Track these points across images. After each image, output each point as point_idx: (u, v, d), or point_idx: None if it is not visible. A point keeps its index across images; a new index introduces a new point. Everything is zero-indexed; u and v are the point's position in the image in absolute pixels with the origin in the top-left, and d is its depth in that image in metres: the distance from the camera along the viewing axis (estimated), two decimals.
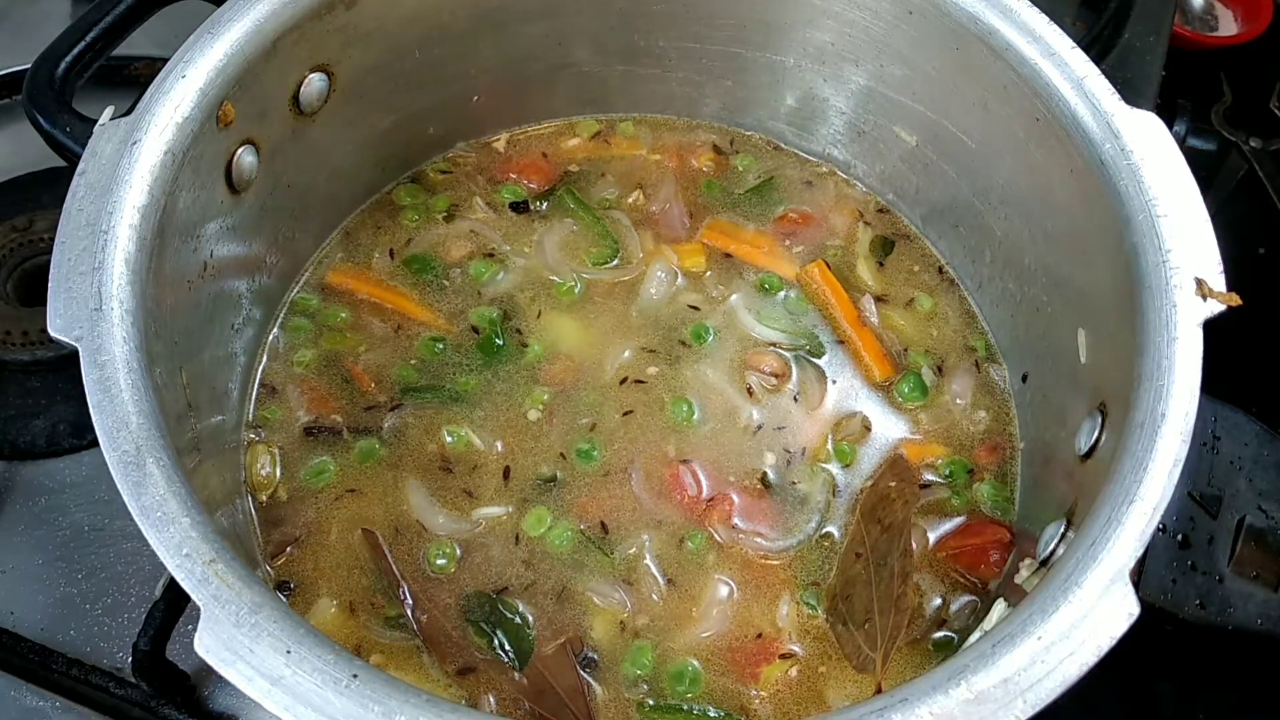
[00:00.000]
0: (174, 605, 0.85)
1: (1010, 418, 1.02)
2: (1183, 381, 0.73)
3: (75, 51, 0.91)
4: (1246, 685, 1.05)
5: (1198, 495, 0.96)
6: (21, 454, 1.03)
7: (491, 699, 0.85)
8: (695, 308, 1.05)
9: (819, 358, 1.03)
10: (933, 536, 0.95)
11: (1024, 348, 1.01)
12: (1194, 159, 0.83)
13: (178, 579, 0.64)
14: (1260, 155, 1.41)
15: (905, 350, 1.04)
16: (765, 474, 0.96)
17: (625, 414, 0.98)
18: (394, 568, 0.90)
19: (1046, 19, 0.89)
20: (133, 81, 1.24)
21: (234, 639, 0.62)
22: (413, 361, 1.00)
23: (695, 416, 0.99)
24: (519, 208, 1.10)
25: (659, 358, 1.02)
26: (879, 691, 0.81)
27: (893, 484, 0.96)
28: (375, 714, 0.60)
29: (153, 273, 0.76)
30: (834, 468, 0.97)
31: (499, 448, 0.96)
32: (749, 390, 1.00)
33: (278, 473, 0.94)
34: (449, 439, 0.96)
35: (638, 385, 1.00)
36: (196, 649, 0.61)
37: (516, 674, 0.86)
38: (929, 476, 0.97)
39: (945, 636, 0.90)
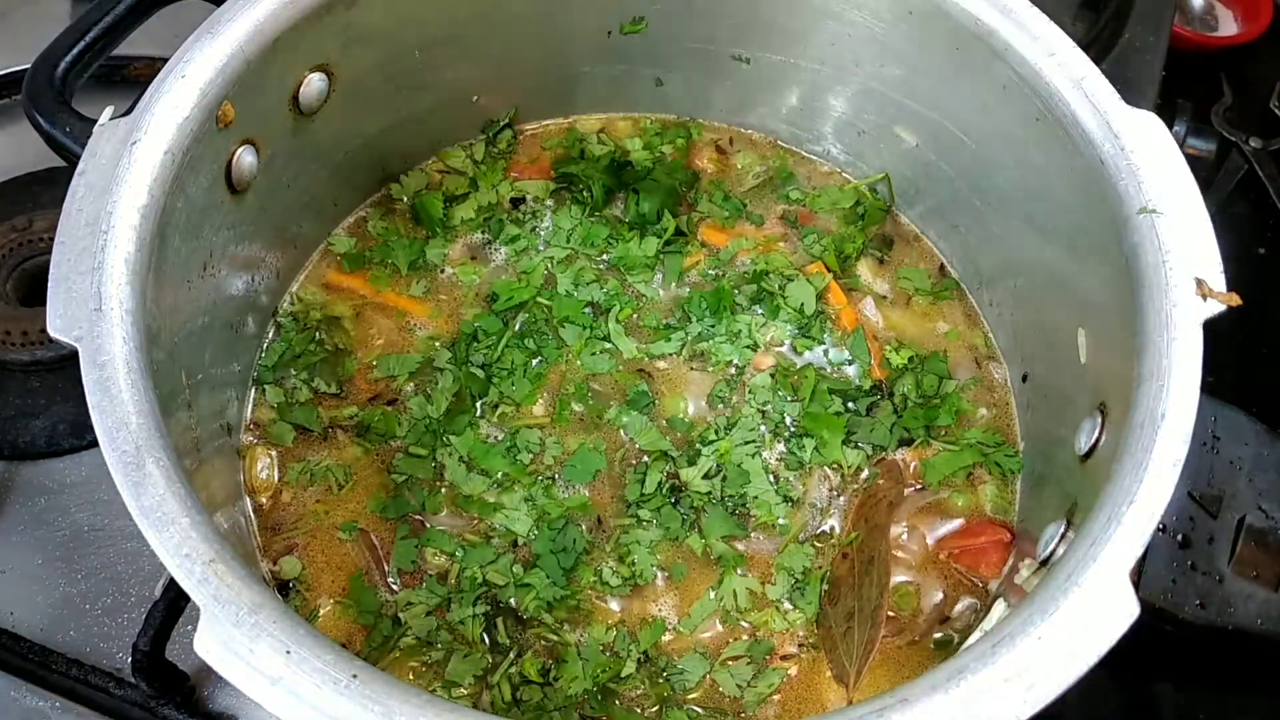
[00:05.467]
0: (174, 605, 0.86)
1: (1011, 417, 1.02)
2: (1183, 381, 0.73)
3: (75, 51, 0.91)
4: (1246, 685, 1.05)
5: (1198, 495, 0.96)
6: (21, 454, 1.03)
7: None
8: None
9: (819, 357, 1.03)
10: (933, 536, 0.95)
11: (1024, 347, 1.02)
12: (1194, 159, 0.83)
13: (178, 579, 0.64)
14: (1260, 155, 1.41)
15: (905, 349, 1.04)
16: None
17: (624, 412, 0.98)
18: (391, 567, 0.90)
19: (1046, 19, 0.89)
20: (133, 81, 1.24)
21: (234, 639, 0.62)
22: (412, 360, 1.00)
23: (693, 414, 0.99)
24: (519, 206, 1.10)
25: (658, 356, 1.02)
26: (849, 704, 0.81)
27: (881, 484, 0.96)
28: (375, 714, 0.60)
29: (153, 273, 0.76)
30: (833, 468, 0.97)
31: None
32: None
33: (276, 474, 0.94)
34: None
35: (637, 384, 1.00)
36: (196, 649, 0.61)
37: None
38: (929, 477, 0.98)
39: (945, 636, 0.90)
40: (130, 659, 0.87)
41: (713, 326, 1.03)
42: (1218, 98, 1.46)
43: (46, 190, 1.17)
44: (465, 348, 1.01)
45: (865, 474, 0.97)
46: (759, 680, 0.87)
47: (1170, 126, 0.93)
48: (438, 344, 1.01)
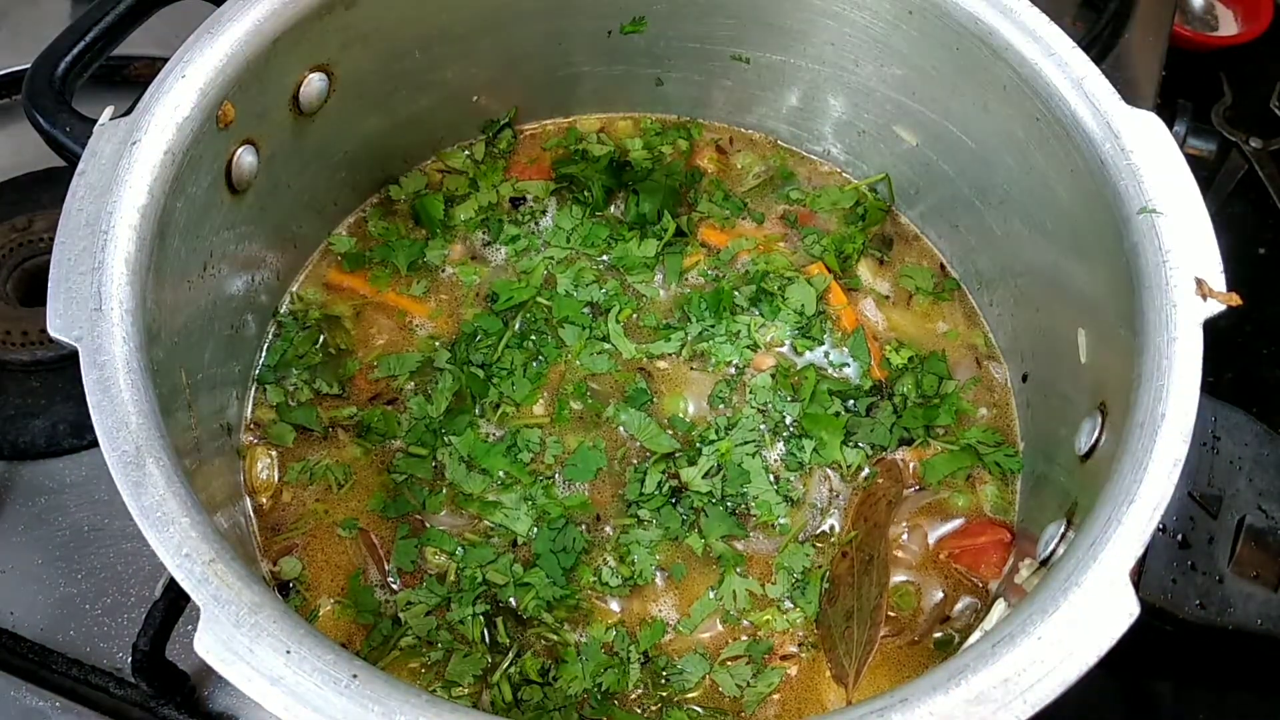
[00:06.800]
0: (174, 605, 0.85)
1: (1011, 417, 1.02)
2: (1183, 381, 0.73)
3: (75, 51, 0.91)
4: (1246, 685, 1.05)
5: (1198, 495, 0.96)
6: (21, 454, 1.03)
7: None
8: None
9: (819, 357, 1.03)
10: (933, 536, 0.95)
11: (1024, 347, 1.01)
12: (1194, 159, 0.83)
13: (178, 579, 0.64)
14: (1260, 155, 1.42)
15: (905, 349, 1.04)
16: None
17: (623, 409, 0.98)
18: (391, 566, 0.90)
19: (1046, 19, 0.89)
20: (133, 81, 1.24)
21: (234, 639, 0.62)
22: (412, 360, 1.00)
23: (694, 414, 0.99)
24: (519, 206, 1.10)
25: (658, 356, 1.02)
26: (849, 703, 0.81)
27: (880, 482, 0.96)
28: (375, 714, 0.60)
29: (153, 273, 0.76)
30: (833, 467, 0.97)
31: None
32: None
33: (276, 474, 0.94)
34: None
35: (637, 383, 1.00)
36: (196, 649, 0.61)
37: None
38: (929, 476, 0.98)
39: (945, 636, 0.90)
40: (130, 659, 0.87)
41: (712, 327, 1.03)
42: (1218, 98, 1.47)
43: (46, 190, 1.17)
44: (465, 347, 1.01)
45: (865, 474, 0.97)
46: (759, 680, 0.87)
47: (1170, 126, 0.93)
48: (438, 344, 1.01)
